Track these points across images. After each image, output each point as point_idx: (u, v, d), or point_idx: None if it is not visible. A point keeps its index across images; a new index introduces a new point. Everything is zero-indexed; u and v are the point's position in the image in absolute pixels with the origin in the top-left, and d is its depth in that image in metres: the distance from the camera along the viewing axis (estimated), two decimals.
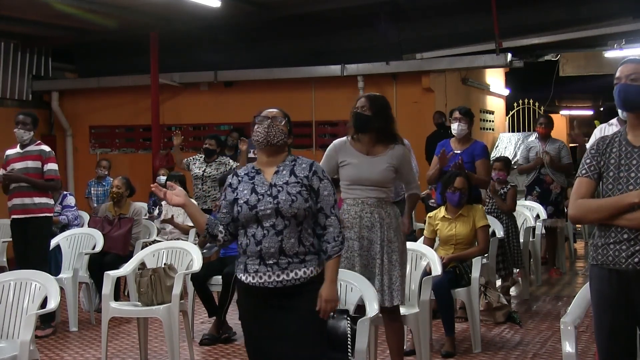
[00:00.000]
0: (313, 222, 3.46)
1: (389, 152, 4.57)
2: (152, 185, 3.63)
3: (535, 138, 8.71)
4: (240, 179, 3.53)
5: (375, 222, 4.50)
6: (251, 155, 8.78)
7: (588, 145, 5.09)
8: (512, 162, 12.97)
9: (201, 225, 3.54)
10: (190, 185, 8.89)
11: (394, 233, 4.53)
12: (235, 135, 10.22)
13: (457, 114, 6.57)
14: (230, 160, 8.83)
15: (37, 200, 6.46)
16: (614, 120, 5.48)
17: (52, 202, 6.72)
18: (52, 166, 6.53)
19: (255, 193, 3.43)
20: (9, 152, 6.63)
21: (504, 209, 7.12)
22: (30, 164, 6.48)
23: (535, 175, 8.50)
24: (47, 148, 6.61)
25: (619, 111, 5.32)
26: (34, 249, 6.45)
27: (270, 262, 3.37)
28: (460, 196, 5.88)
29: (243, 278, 3.45)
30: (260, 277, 3.39)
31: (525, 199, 8.54)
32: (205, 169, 8.64)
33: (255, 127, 3.53)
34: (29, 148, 6.52)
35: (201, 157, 8.83)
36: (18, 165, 6.48)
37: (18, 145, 6.58)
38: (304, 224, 3.40)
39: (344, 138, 4.72)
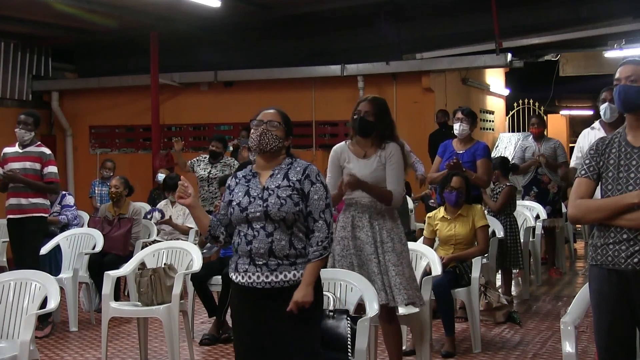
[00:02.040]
0: (306, 226, 3.45)
1: (380, 152, 4.53)
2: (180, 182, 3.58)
3: (531, 138, 8.71)
4: (237, 181, 3.56)
5: (365, 223, 4.48)
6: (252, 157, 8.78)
7: (575, 149, 5.10)
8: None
9: (204, 227, 3.57)
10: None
11: (387, 234, 4.49)
12: (214, 144, 9.67)
13: (459, 114, 6.58)
14: (235, 162, 8.77)
15: (33, 200, 6.45)
16: (596, 124, 5.53)
17: (48, 202, 6.71)
18: (52, 169, 6.52)
19: (248, 195, 3.45)
20: (7, 150, 6.60)
21: (491, 208, 7.08)
22: (28, 164, 6.46)
23: (533, 175, 8.50)
24: (47, 150, 6.59)
25: (602, 113, 5.37)
26: (28, 248, 6.45)
27: (260, 262, 3.39)
28: (457, 195, 5.88)
29: (233, 277, 3.48)
30: (250, 277, 3.41)
31: (523, 199, 8.54)
32: (210, 171, 8.57)
33: (251, 131, 3.53)
34: (29, 149, 6.51)
35: (205, 157, 8.76)
36: (16, 165, 6.45)
37: (17, 144, 6.56)
38: (294, 227, 3.40)
39: (343, 142, 4.70)
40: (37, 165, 6.48)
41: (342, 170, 4.57)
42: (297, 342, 3.39)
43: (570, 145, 18.85)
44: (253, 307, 3.44)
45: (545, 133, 8.68)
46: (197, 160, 8.77)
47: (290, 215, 3.37)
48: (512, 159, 9.22)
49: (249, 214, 3.41)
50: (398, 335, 4.68)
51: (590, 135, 5.39)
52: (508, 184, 7.36)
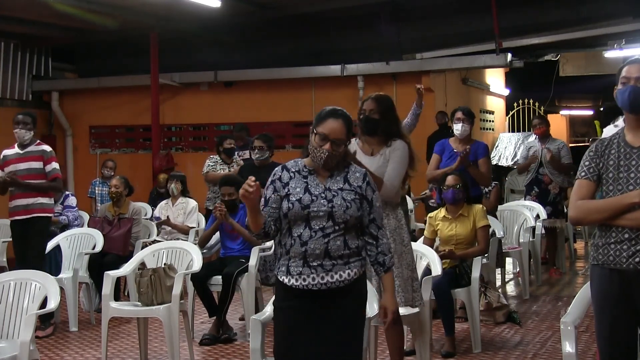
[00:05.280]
0: (358, 226, 3.43)
1: (386, 149, 4.55)
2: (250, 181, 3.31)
3: (535, 139, 8.69)
4: (291, 175, 3.46)
5: None
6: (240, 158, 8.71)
7: None
8: (512, 162, 12.93)
9: (259, 225, 3.40)
10: (191, 185, 8.86)
11: (391, 235, 4.48)
12: (230, 142, 9.74)
13: (460, 115, 6.58)
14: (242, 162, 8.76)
15: (40, 200, 6.45)
16: (620, 122, 5.45)
17: (52, 202, 6.72)
18: (55, 165, 6.52)
19: (309, 193, 3.37)
20: (7, 152, 6.57)
21: (486, 207, 7.09)
22: (33, 164, 6.45)
23: (534, 175, 8.47)
24: (48, 148, 6.59)
25: None
26: (32, 248, 6.43)
27: (315, 264, 3.32)
28: (453, 192, 5.88)
29: (286, 280, 3.37)
30: (304, 280, 3.33)
31: (525, 199, 8.53)
32: (228, 171, 8.49)
33: (314, 147, 3.40)
34: (29, 148, 6.50)
35: (214, 157, 8.62)
36: (21, 166, 6.43)
37: (16, 146, 6.55)
38: (350, 228, 3.39)
39: (352, 140, 4.69)
40: (40, 164, 6.47)
41: None
42: (347, 344, 3.38)
43: (571, 145, 18.90)
44: (307, 309, 3.37)
45: (549, 133, 8.62)
46: (211, 164, 8.56)
47: (353, 219, 3.36)
48: (515, 158, 9.27)
49: (311, 212, 3.34)
50: (399, 335, 4.68)
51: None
52: (495, 183, 7.43)
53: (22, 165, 6.44)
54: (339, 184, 3.42)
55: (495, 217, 7.18)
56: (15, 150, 6.53)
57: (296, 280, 3.34)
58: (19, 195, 6.44)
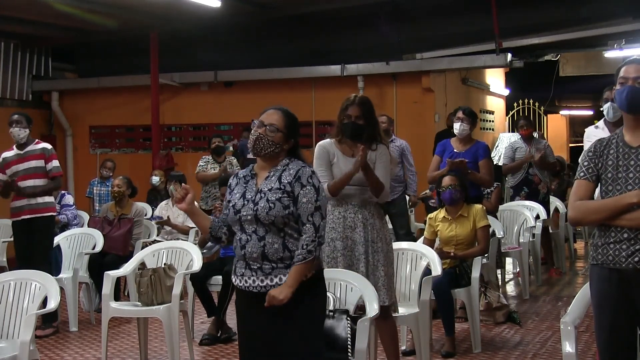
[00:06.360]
0: (298, 228, 3.38)
1: (370, 152, 4.55)
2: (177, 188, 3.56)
3: (520, 139, 8.72)
4: (237, 181, 3.53)
5: (358, 223, 4.49)
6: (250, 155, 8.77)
7: (585, 149, 5.08)
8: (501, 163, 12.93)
9: (205, 229, 3.55)
10: (191, 185, 8.85)
11: (377, 233, 4.51)
12: (216, 140, 9.68)
13: (460, 114, 6.58)
14: (235, 161, 8.83)
15: (44, 198, 6.45)
16: (600, 123, 5.49)
17: (54, 200, 6.74)
18: (55, 163, 6.52)
19: (243, 198, 3.42)
20: (6, 154, 6.54)
21: (488, 209, 7.08)
22: (34, 163, 6.43)
23: (523, 175, 8.50)
24: (48, 145, 6.58)
25: (605, 113, 5.32)
26: (38, 247, 6.42)
27: (254, 266, 3.36)
28: (450, 192, 5.87)
29: (233, 280, 3.47)
30: (246, 281, 3.39)
31: (512, 200, 8.52)
32: (217, 169, 8.57)
33: (251, 132, 3.50)
34: (29, 148, 6.48)
35: (206, 157, 8.74)
36: (21, 167, 6.42)
37: (15, 147, 6.53)
38: (286, 229, 3.35)
39: (329, 140, 4.73)
40: (42, 162, 6.46)
41: (332, 166, 4.59)
42: (297, 344, 3.35)
43: (571, 145, 18.91)
44: (252, 310, 3.42)
45: (533, 134, 8.76)
46: (204, 164, 8.69)
47: (279, 219, 3.32)
48: (501, 158, 9.25)
49: (241, 216, 3.38)
50: (394, 333, 4.68)
51: (596, 134, 5.36)
52: (497, 183, 7.42)
53: (23, 166, 6.43)
54: (271, 184, 3.40)
55: (496, 217, 7.18)
56: (15, 151, 6.51)
57: (239, 281, 3.42)
58: (21, 197, 6.43)
